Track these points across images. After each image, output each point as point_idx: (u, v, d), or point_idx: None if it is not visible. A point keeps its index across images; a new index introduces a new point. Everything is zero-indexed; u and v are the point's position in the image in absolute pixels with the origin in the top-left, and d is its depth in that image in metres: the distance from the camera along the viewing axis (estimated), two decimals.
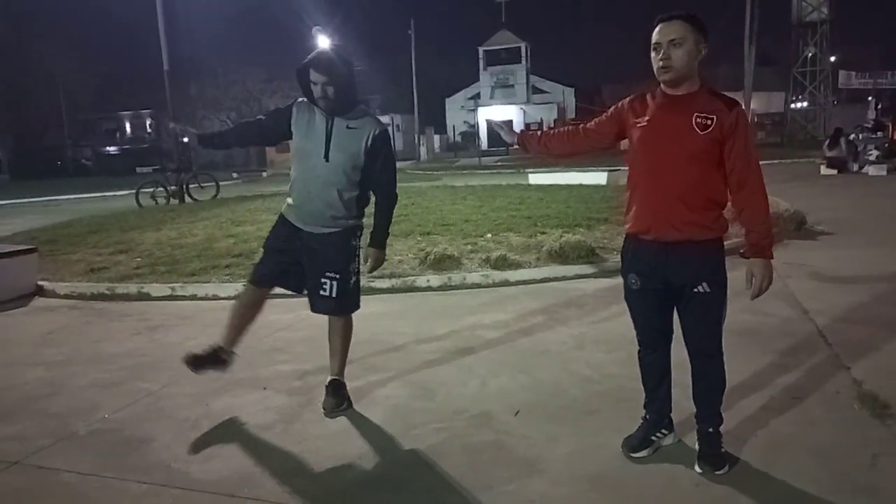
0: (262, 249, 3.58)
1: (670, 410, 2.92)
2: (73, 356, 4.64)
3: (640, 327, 2.85)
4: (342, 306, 3.47)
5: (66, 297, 6.52)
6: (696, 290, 2.61)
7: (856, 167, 16.88)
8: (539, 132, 3.07)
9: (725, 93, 2.64)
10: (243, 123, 3.71)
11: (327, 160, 3.29)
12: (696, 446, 2.81)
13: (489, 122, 3.53)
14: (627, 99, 2.77)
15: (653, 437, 2.90)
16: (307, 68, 3.26)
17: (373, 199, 3.52)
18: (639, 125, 2.64)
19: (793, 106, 38.60)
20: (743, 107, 2.63)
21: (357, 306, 3.57)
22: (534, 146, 3.04)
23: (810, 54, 36.30)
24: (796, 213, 8.68)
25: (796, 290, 5.44)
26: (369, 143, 3.32)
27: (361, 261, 3.51)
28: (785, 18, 36.98)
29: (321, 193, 3.32)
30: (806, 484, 2.60)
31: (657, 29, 2.53)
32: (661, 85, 2.61)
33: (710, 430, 2.78)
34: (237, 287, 6.28)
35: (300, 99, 3.43)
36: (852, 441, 2.93)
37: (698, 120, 2.51)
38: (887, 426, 3.04)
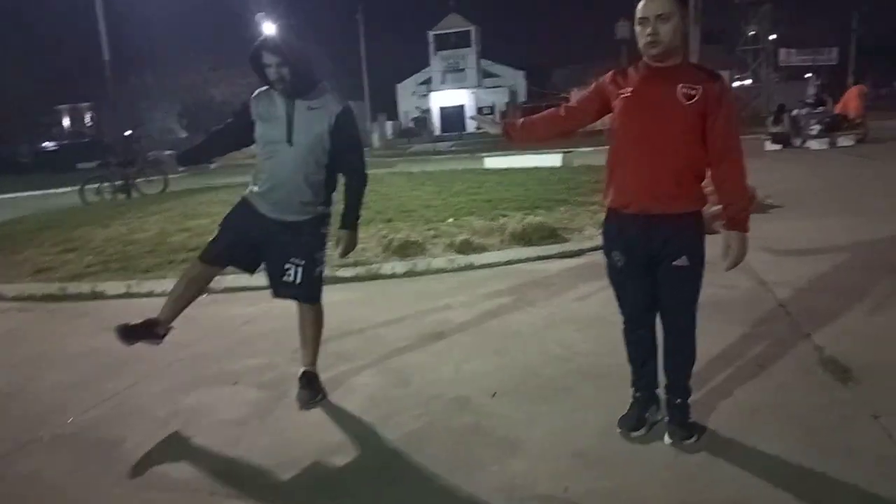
0: (217, 228, 3.47)
1: (657, 386, 2.92)
2: (30, 359, 4.46)
3: (626, 304, 2.85)
4: (306, 293, 3.39)
5: (15, 299, 6.24)
6: (675, 263, 2.63)
7: (799, 142, 17.40)
8: (522, 120, 3.03)
9: None
10: (215, 132, 3.58)
11: (291, 144, 3.21)
12: (666, 417, 2.86)
13: (474, 118, 3.49)
14: (609, 73, 2.75)
15: (647, 415, 2.90)
16: (259, 51, 3.17)
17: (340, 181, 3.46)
18: (622, 96, 2.62)
19: (737, 84, 39.53)
20: (727, 80, 2.65)
21: (319, 296, 3.48)
22: (518, 134, 3.00)
23: (752, 33, 37.16)
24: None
25: (753, 262, 5.57)
26: (333, 122, 3.24)
27: (328, 249, 3.46)
28: None
29: (288, 179, 3.24)
30: (780, 448, 2.69)
31: (641, 4, 2.52)
32: (644, 58, 2.60)
33: (679, 401, 2.83)
34: None
35: (258, 90, 3.34)
36: (820, 404, 3.04)
37: (683, 90, 2.51)
38: (850, 388, 3.17)
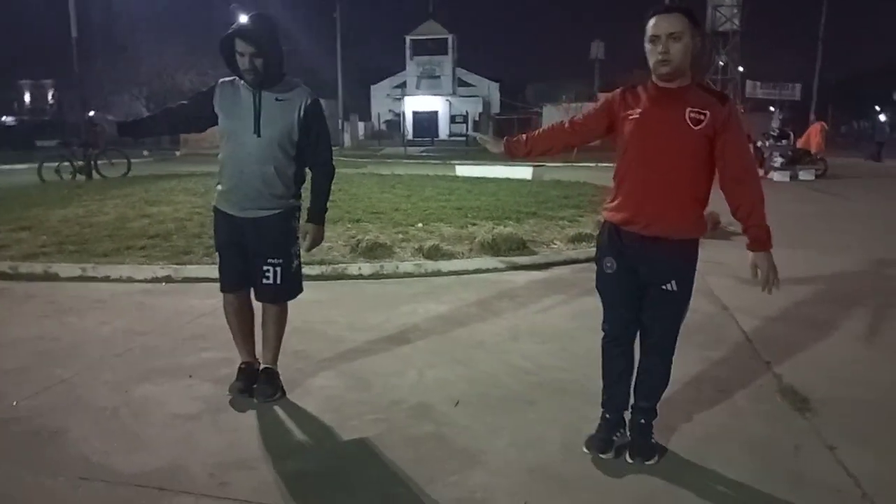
0: (216, 254, 3.41)
1: (627, 408, 2.87)
2: None
3: (611, 315, 2.79)
4: (287, 292, 3.34)
5: None
6: (663, 287, 2.62)
7: (762, 172, 17.87)
8: (524, 136, 2.96)
9: None
10: (166, 110, 3.42)
11: (259, 135, 3.12)
12: (628, 436, 2.85)
13: (474, 136, 3.44)
14: (618, 90, 2.71)
15: (614, 437, 2.85)
16: (232, 38, 3.06)
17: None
18: (630, 117, 2.59)
19: None
20: (734, 101, 2.64)
21: (300, 290, 3.44)
22: (521, 151, 2.93)
23: (722, 63, 38.07)
24: (712, 214, 9.04)
25: (715, 288, 5.67)
26: (301, 114, 3.17)
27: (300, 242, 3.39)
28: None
29: (256, 172, 3.15)
30: (736, 473, 2.70)
31: (653, 21, 2.47)
32: (653, 77, 2.57)
33: (643, 421, 2.83)
34: (155, 270, 5.98)
35: (222, 80, 3.25)
36: (776, 432, 3.07)
37: (691, 115, 2.48)
38: (807, 418, 3.21)
